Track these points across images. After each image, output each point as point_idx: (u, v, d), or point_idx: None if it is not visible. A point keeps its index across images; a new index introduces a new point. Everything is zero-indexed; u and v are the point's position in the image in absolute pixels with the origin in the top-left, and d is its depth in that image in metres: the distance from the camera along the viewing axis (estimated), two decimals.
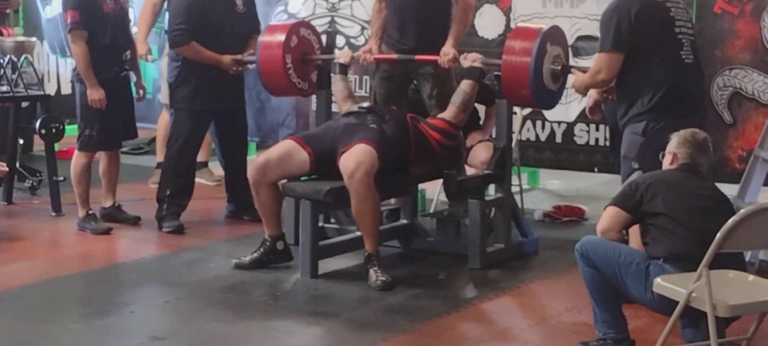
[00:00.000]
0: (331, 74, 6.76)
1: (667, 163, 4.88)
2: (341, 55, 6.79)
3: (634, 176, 5.40)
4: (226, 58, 7.11)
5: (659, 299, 4.45)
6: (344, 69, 6.73)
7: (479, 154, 6.88)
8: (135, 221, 7.39)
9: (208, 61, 7.11)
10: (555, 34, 6.24)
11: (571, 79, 6.25)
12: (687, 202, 4.62)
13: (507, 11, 7.77)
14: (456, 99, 6.27)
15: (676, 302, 4.33)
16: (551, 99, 6.40)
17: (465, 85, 6.27)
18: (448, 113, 6.28)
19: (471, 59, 6.32)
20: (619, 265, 4.60)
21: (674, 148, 4.84)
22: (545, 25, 6.24)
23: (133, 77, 7.41)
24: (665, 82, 5.49)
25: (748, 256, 5.76)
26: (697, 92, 5.71)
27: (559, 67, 6.16)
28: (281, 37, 6.74)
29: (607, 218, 4.76)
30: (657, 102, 5.48)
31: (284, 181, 6.13)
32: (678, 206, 4.59)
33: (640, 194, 4.68)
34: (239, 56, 7.13)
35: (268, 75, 6.83)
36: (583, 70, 5.94)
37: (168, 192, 7.22)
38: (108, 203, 7.39)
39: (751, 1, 6.89)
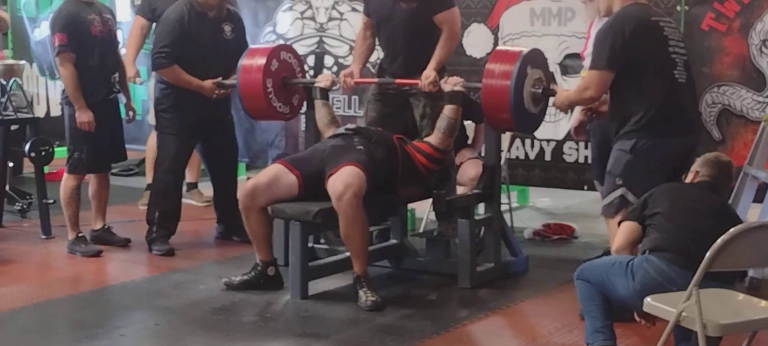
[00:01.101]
0: (313, 99, 6.68)
1: (688, 180, 4.98)
2: (322, 79, 6.69)
3: (618, 192, 5.43)
4: (207, 83, 7.09)
5: (642, 290, 4.48)
6: (325, 93, 6.64)
7: (468, 171, 6.87)
8: (125, 243, 7.38)
9: (188, 85, 7.10)
10: (535, 57, 6.14)
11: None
12: (686, 205, 4.70)
13: (495, 30, 7.75)
14: (441, 124, 6.24)
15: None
16: (532, 123, 6.32)
17: (448, 110, 6.24)
18: (434, 138, 6.25)
19: (452, 83, 6.28)
20: (606, 268, 4.69)
21: (697, 167, 4.95)
22: (525, 48, 6.16)
23: (122, 99, 7.40)
24: (658, 101, 5.45)
25: None
26: (690, 112, 5.67)
27: (540, 91, 6.09)
28: (261, 61, 6.69)
29: (619, 235, 4.84)
30: (648, 120, 5.45)
31: None
32: (674, 207, 4.66)
33: (644, 200, 4.79)
34: (220, 80, 7.11)
35: (248, 99, 6.78)
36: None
37: (157, 214, 7.21)
38: (98, 226, 7.38)
39: (739, 17, 6.90)
